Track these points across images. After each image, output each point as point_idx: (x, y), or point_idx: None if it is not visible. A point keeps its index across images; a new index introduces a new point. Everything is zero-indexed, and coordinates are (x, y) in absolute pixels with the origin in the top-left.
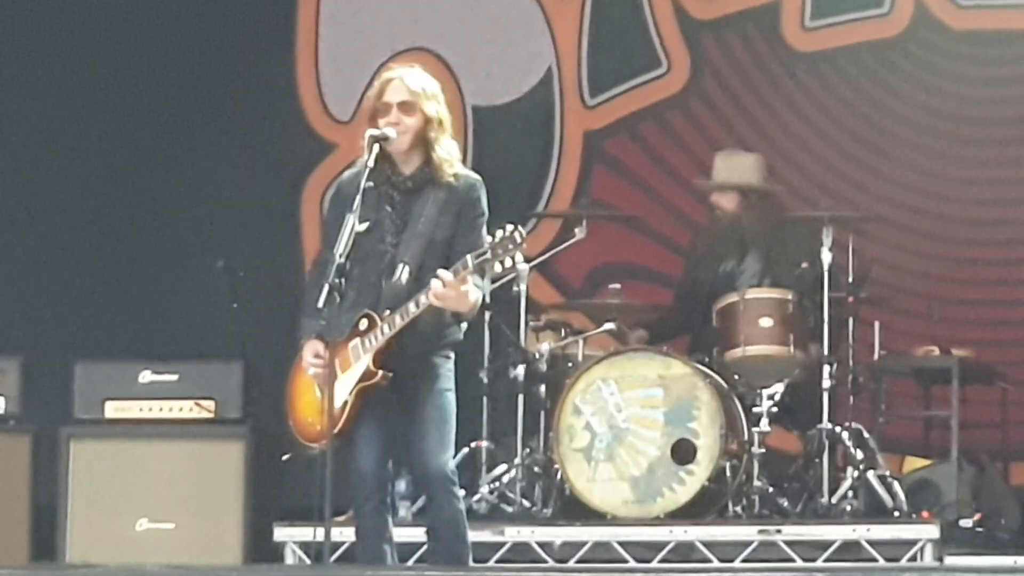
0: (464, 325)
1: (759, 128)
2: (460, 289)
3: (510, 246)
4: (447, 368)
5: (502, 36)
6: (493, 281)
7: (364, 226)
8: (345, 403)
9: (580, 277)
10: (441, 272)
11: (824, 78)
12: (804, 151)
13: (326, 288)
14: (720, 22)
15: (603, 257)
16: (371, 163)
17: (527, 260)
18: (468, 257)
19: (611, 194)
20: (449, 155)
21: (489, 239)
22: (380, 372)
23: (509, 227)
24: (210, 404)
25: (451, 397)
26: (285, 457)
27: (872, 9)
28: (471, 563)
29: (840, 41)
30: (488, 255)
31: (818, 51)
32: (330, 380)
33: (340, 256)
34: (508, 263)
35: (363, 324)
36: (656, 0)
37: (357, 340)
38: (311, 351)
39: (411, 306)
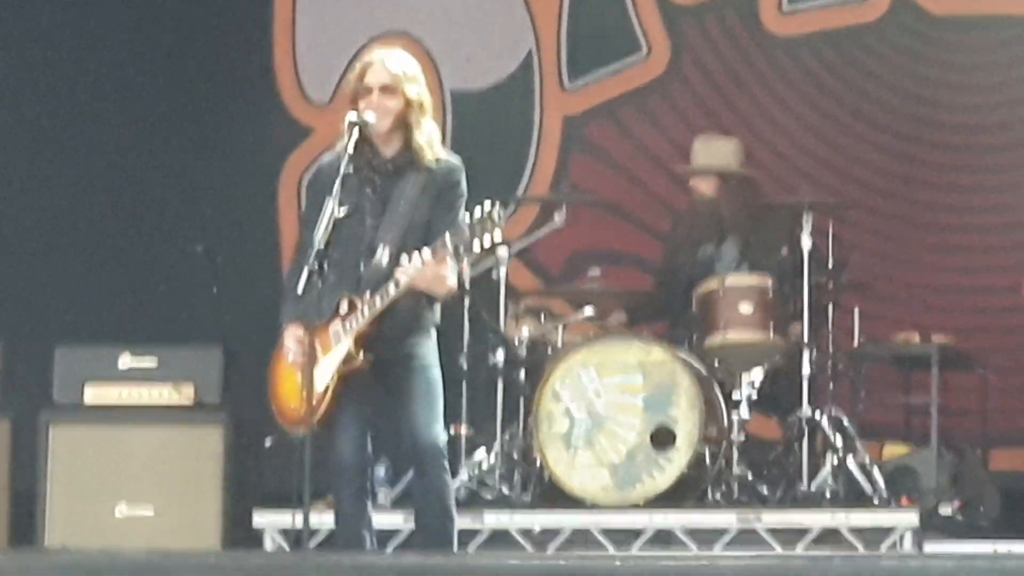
0: (438, 307)
1: (739, 113)
2: (438, 270)
3: (488, 224)
4: (429, 346)
5: (482, 20)
6: (472, 266)
7: (344, 211)
8: (327, 387)
9: (559, 263)
10: (418, 253)
11: (803, 63)
12: (783, 136)
13: (306, 272)
14: (699, 7)
15: (582, 243)
16: (351, 148)
17: (507, 245)
18: (446, 235)
19: (591, 180)
20: (430, 138)
21: (467, 217)
22: (361, 355)
23: (487, 205)
24: (189, 389)
25: (437, 373)
26: (268, 442)
27: None
28: (456, 540)
29: (819, 26)
30: (466, 234)
31: (797, 36)
32: (310, 365)
33: (320, 241)
34: (487, 241)
35: (343, 307)
36: None
37: (338, 323)
38: (292, 337)
39: (390, 287)
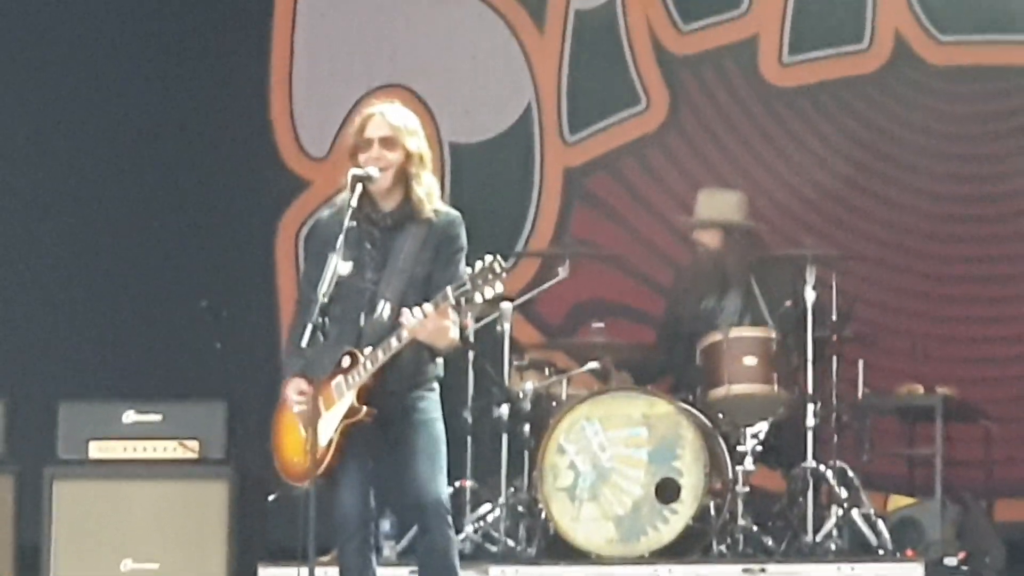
0: (441, 361)
1: (738, 164)
2: (440, 322)
3: (490, 276)
4: (432, 400)
5: (481, 73)
6: (476, 320)
7: (348, 267)
8: (330, 441)
9: (560, 315)
10: (421, 307)
11: (803, 113)
12: (783, 187)
13: (309, 327)
14: (698, 57)
15: (583, 295)
16: (354, 202)
17: (511, 300)
18: (448, 288)
19: (592, 232)
20: (429, 191)
21: (468, 270)
22: (364, 408)
23: (488, 258)
24: (194, 444)
25: (440, 427)
26: (271, 497)
27: (851, 44)
28: None
29: (818, 76)
30: (468, 286)
31: (796, 86)
32: (313, 418)
33: (324, 296)
34: (488, 293)
35: (346, 361)
36: (635, 36)
37: (340, 377)
38: (295, 389)
39: (392, 340)
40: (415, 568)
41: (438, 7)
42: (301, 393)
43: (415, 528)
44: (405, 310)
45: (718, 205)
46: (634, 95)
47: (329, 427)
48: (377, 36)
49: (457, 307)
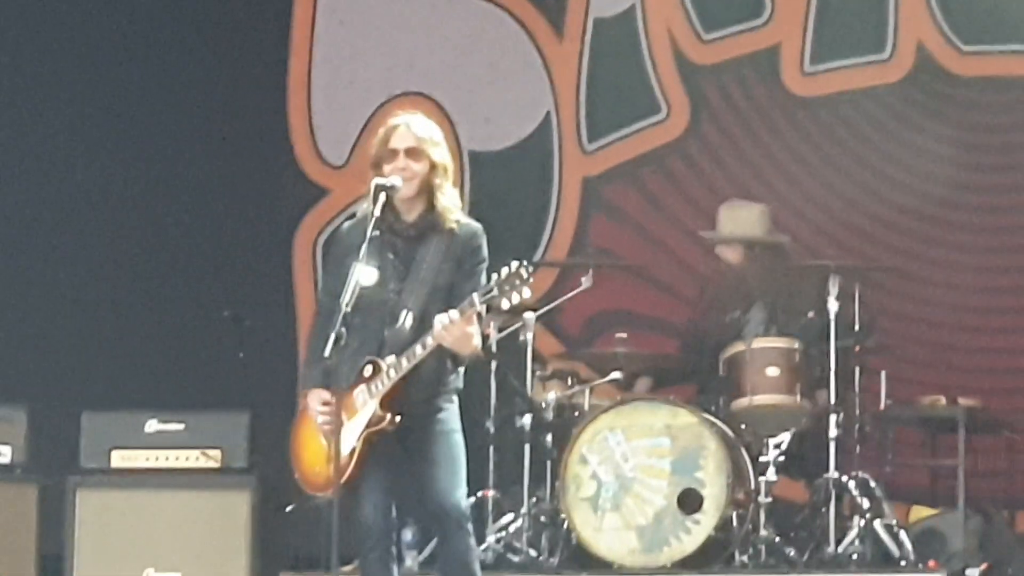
0: (462, 371)
1: (759, 174)
2: (465, 329)
3: (516, 282)
4: (452, 411)
5: (500, 81)
6: (499, 330)
7: (373, 276)
8: (353, 450)
9: (578, 324)
10: (448, 312)
11: (824, 123)
12: (805, 197)
13: (332, 337)
14: (719, 67)
15: (601, 305)
16: (378, 212)
17: (534, 310)
18: (474, 295)
19: (610, 241)
20: (452, 202)
21: (495, 276)
22: (388, 416)
23: (515, 264)
24: (216, 453)
25: (459, 437)
26: (289, 508)
27: (873, 54)
28: None
29: (841, 86)
30: (495, 292)
31: (818, 96)
32: (338, 428)
33: (347, 305)
34: (515, 299)
35: (368, 370)
36: (655, 45)
37: (363, 386)
38: (317, 399)
39: (417, 348)
40: None
41: (457, 15)
42: (325, 404)
43: (436, 538)
44: (437, 319)
45: (740, 220)
46: (654, 104)
47: (352, 436)
48: (396, 44)
49: (482, 315)
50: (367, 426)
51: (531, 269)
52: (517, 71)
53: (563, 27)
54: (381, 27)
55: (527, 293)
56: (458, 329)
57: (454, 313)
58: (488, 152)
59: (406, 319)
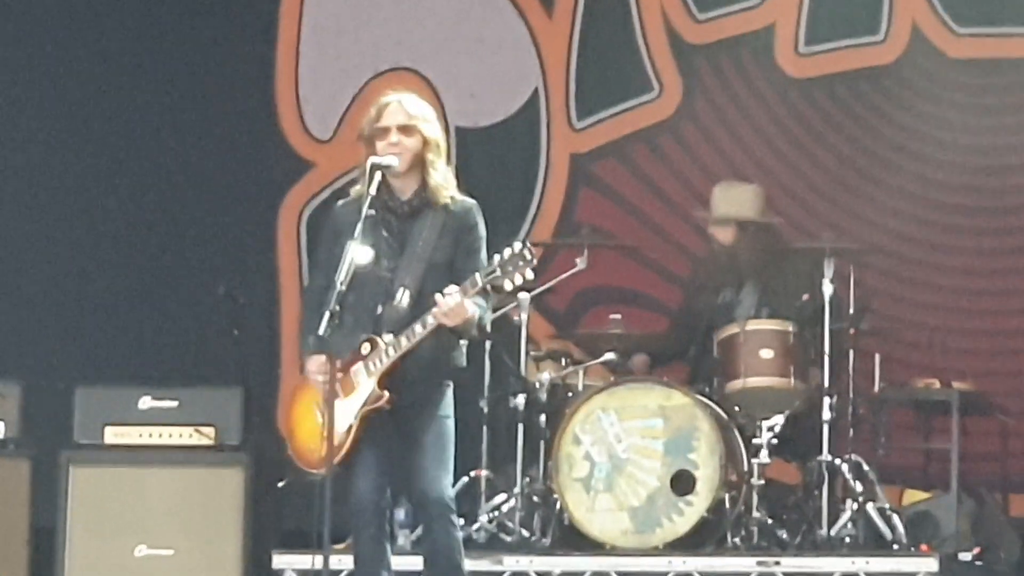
0: (464, 349)
1: (751, 154)
2: (458, 299)
3: (520, 263)
4: (447, 395)
5: (488, 56)
6: (494, 310)
7: (369, 255)
8: (349, 427)
9: (565, 302)
10: (449, 289)
11: (818, 104)
12: (798, 177)
13: (327, 315)
14: (713, 47)
15: (588, 281)
16: (373, 191)
17: (528, 290)
18: (477, 275)
19: (597, 218)
20: (446, 179)
21: (498, 256)
22: (386, 394)
23: (517, 245)
24: (210, 430)
25: (450, 424)
26: (281, 483)
27: (867, 35)
28: None
29: (834, 67)
30: (497, 272)
31: (812, 77)
32: (331, 403)
33: (342, 283)
34: (518, 280)
35: (365, 348)
36: (648, 23)
37: (360, 364)
38: (315, 364)
39: (417, 327)
40: None
41: None
42: (323, 370)
43: (421, 525)
44: (438, 295)
45: (733, 200)
46: (646, 82)
47: (348, 414)
48: (384, 18)
49: (485, 293)
50: (364, 404)
51: (533, 250)
52: (505, 47)
53: (553, 3)
54: (369, 1)
55: (530, 275)
56: (459, 309)
57: (454, 290)
58: (475, 128)
59: (403, 297)
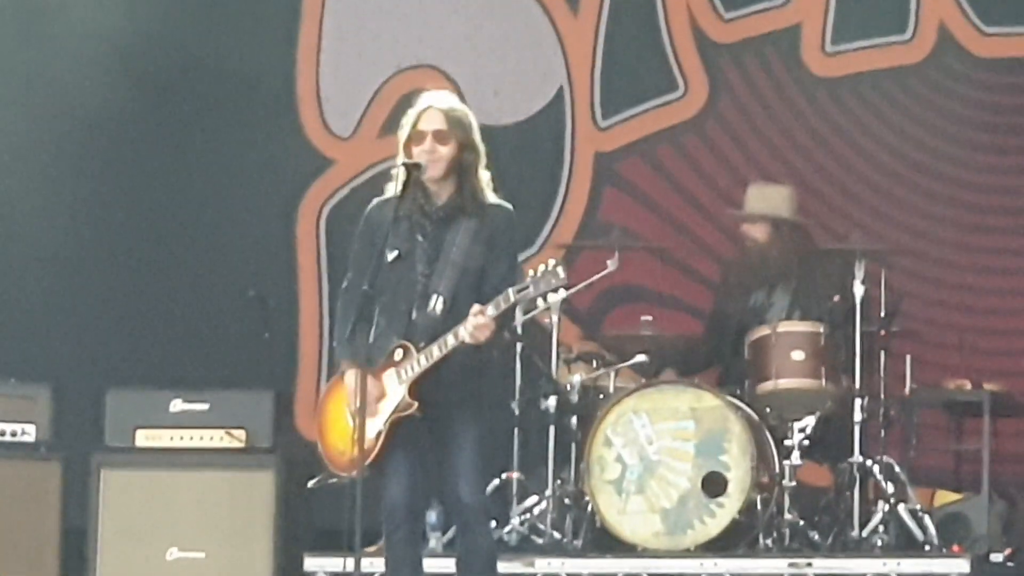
0: (496, 353)
1: (778, 154)
2: (492, 325)
3: (552, 281)
4: (482, 397)
5: (511, 54)
6: (525, 312)
7: (394, 255)
8: (379, 433)
9: (588, 300)
10: (482, 308)
11: (844, 104)
12: (823, 178)
13: (353, 319)
14: (739, 45)
15: (609, 280)
16: (400, 191)
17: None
18: (510, 291)
19: (622, 216)
20: (482, 184)
21: (531, 273)
22: (415, 404)
23: (551, 261)
24: (240, 433)
25: (485, 427)
26: (311, 483)
27: (894, 35)
28: None
29: (861, 67)
30: (530, 290)
31: (839, 76)
32: (363, 410)
33: (371, 287)
34: (551, 298)
35: (398, 354)
36: (674, 22)
37: (392, 370)
38: (354, 378)
39: (449, 338)
40: None
41: None
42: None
43: (456, 527)
44: (471, 315)
45: (768, 199)
46: (671, 81)
47: (379, 419)
48: (406, 15)
49: (511, 310)
50: (394, 411)
51: (564, 269)
52: (530, 45)
53: (579, 1)
54: None
55: (562, 294)
56: (487, 330)
57: (490, 310)
58: (499, 126)
59: (436, 303)
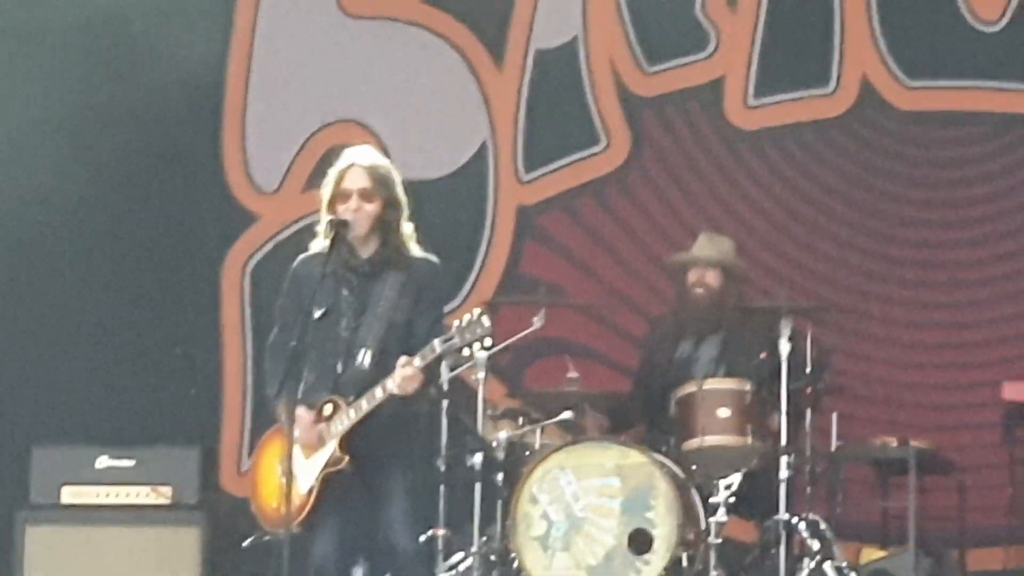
0: (424, 406)
1: (701, 207)
2: (419, 377)
3: (477, 331)
4: (412, 449)
5: (436, 109)
6: (451, 369)
7: (320, 312)
8: (311, 489)
9: (508, 354)
10: (409, 359)
11: (768, 157)
12: (748, 232)
13: (282, 375)
14: (662, 99)
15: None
16: (328, 248)
17: (485, 348)
18: (435, 342)
19: (543, 270)
20: (407, 238)
21: (456, 323)
22: (347, 458)
23: (476, 311)
24: (167, 490)
25: (417, 477)
26: (246, 543)
27: (817, 87)
28: None
29: (784, 119)
30: (456, 340)
31: (761, 129)
32: (290, 469)
33: (299, 343)
34: (476, 348)
35: (327, 409)
36: (597, 75)
37: (323, 425)
38: (302, 420)
39: (378, 391)
40: None
41: (394, 42)
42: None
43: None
44: (399, 367)
45: (719, 246)
46: (593, 135)
47: (310, 475)
48: (331, 70)
49: (438, 360)
50: (325, 466)
51: (490, 319)
52: (454, 99)
53: (503, 56)
54: (317, 53)
55: (488, 343)
56: (414, 381)
57: (417, 361)
58: (422, 180)
59: (364, 356)
